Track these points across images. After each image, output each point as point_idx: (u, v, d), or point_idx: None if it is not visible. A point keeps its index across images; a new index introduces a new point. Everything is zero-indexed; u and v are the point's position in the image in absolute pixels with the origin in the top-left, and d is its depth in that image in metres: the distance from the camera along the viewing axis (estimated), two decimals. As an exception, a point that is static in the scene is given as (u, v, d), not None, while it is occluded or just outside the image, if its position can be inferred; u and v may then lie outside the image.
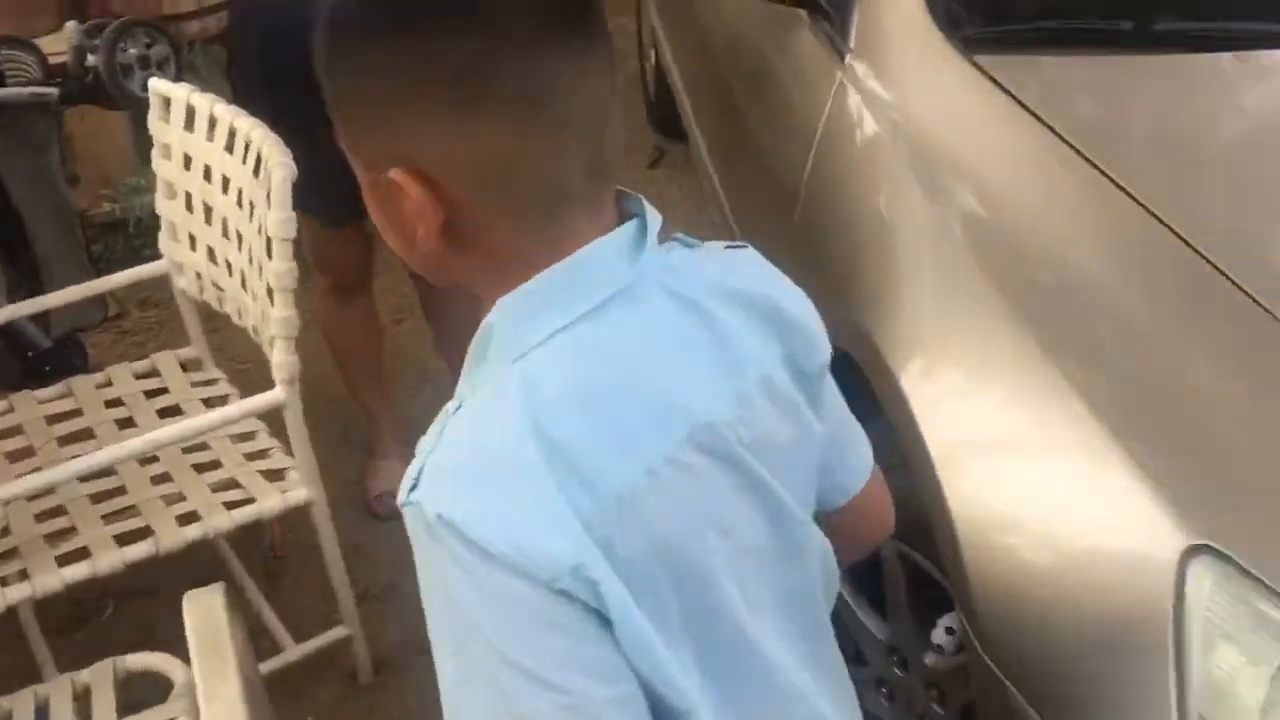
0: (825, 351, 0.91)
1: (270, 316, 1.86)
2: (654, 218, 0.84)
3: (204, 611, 1.40)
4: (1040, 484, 1.23)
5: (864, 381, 1.49)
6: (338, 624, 2.12)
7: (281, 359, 1.85)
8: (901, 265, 1.49)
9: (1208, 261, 1.25)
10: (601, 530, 0.76)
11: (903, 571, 1.52)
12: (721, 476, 0.83)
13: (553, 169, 0.78)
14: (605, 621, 0.77)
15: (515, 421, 0.78)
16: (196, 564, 2.25)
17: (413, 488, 0.80)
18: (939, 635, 1.51)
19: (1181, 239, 1.28)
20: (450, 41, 0.76)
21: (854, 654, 1.74)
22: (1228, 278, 1.23)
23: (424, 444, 0.83)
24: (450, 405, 0.85)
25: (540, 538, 0.76)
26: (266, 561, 2.42)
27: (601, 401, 0.79)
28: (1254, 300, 1.20)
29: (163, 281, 2.27)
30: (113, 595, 2.35)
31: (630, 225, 0.82)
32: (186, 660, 1.58)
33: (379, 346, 2.51)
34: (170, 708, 1.53)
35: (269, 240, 1.81)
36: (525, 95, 0.76)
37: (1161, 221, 1.31)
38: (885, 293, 1.48)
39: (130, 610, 2.31)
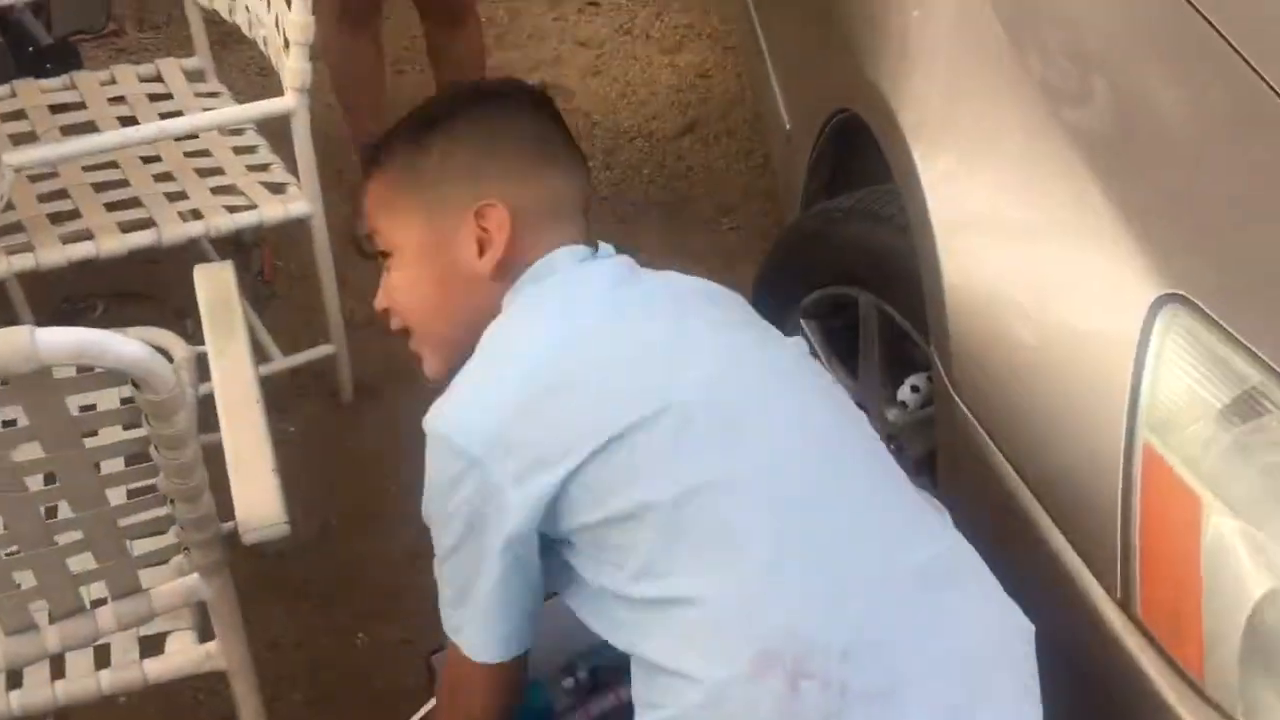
0: None
1: (286, 21, 1.85)
2: (604, 248, 1.20)
3: (214, 280, 1.46)
4: (1036, 259, 1.28)
5: (872, 143, 1.53)
6: (324, 343, 2.19)
7: (296, 65, 1.85)
8: (921, 20, 1.50)
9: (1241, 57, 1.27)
10: None
11: (878, 327, 1.59)
12: None
13: (566, 204, 1.20)
14: None
15: None
16: (185, 280, 2.30)
17: None
18: (904, 392, 1.60)
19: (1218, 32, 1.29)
20: (485, 114, 1.22)
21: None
22: (1259, 74, 1.25)
23: None
24: None
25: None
26: (255, 286, 2.47)
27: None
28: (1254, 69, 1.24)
29: (163, 2, 2.23)
30: (102, 296, 2.40)
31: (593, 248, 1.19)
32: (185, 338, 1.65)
33: (382, 81, 2.50)
34: (170, 377, 1.59)
35: (288, -59, 1.79)
36: (538, 136, 1.22)
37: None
38: (901, 48, 1.51)
39: (119, 312, 2.36)
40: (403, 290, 1.19)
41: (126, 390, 0.98)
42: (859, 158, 1.76)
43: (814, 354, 1.79)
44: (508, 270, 1.14)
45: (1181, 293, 1.11)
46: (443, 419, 1.05)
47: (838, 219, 1.66)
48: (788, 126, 2.09)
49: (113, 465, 1.40)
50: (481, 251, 1.14)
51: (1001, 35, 1.38)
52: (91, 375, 0.95)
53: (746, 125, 2.94)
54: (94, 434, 1.36)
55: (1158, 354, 1.10)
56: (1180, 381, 1.09)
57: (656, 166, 2.84)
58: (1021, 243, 1.29)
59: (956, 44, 1.46)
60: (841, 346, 1.73)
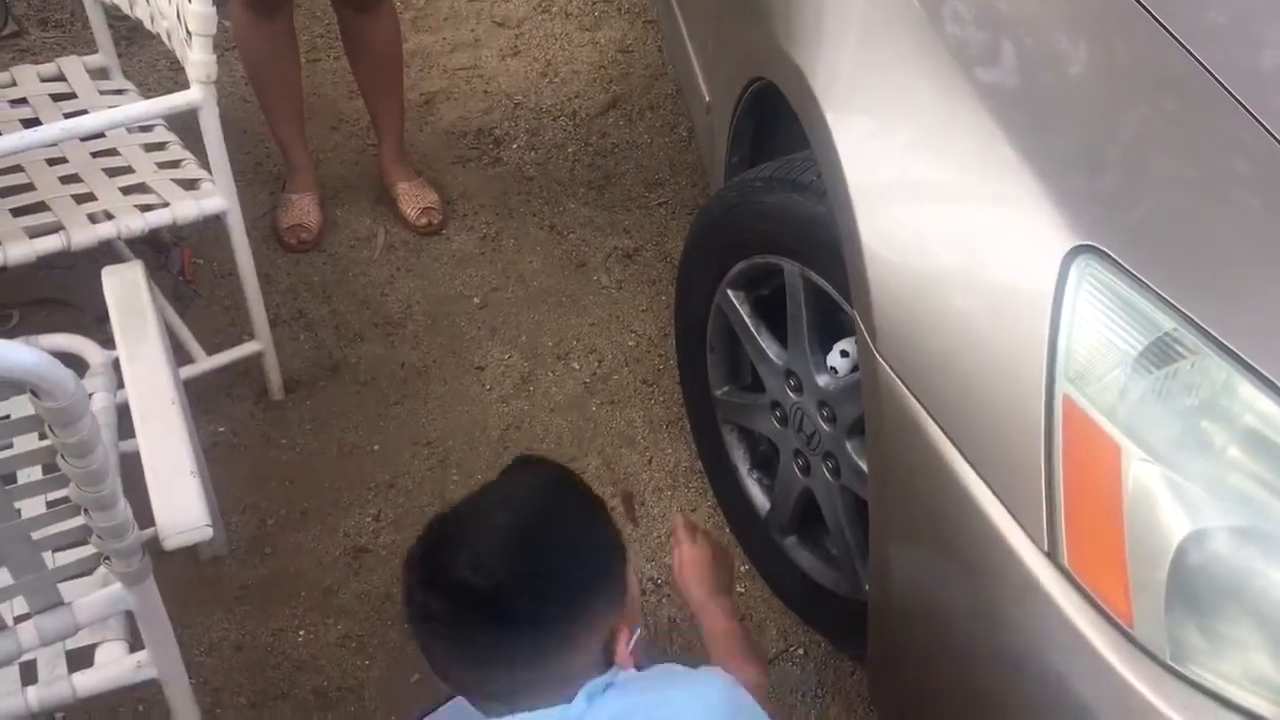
0: None
1: (187, 13, 1.80)
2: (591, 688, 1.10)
3: (122, 281, 1.42)
4: (952, 218, 1.28)
5: (790, 112, 1.52)
6: (249, 340, 2.15)
7: (199, 57, 1.81)
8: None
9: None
10: None
11: (805, 296, 1.59)
12: None
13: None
14: None
15: None
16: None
17: None
18: (834, 358, 1.60)
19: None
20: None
21: (751, 382, 1.84)
22: (1165, 29, 1.26)
23: None
24: None
25: None
26: (177, 286, 2.42)
27: None
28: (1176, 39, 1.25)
29: (65, 0, 2.16)
30: (16, 305, 2.34)
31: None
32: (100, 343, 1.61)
33: (297, 70, 2.45)
34: (88, 384, 1.55)
35: (188, -71, 1.74)
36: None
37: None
38: (814, 15, 1.50)
39: (36, 320, 2.30)
40: None
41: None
42: (778, 128, 1.75)
43: (741, 324, 1.80)
44: None
45: (1093, 244, 1.12)
46: None
47: (758, 188, 1.66)
48: (707, 98, 2.08)
49: (30, 474, 1.36)
50: None
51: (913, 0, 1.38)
52: (-11, 386, 0.92)
53: (669, 99, 2.93)
54: (9, 445, 1.33)
55: (1072, 305, 1.11)
56: (1095, 331, 1.10)
57: (581, 145, 2.82)
58: (937, 203, 1.30)
59: (867, 9, 1.46)
60: (770, 315, 1.72)
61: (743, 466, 1.90)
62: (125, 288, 1.40)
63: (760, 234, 1.66)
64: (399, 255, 2.53)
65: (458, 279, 2.47)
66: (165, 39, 1.98)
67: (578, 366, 2.28)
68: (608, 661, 1.13)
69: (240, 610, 1.87)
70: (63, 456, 1.01)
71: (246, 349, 2.15)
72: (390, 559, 1.95)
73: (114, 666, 1.28)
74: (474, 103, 2.93)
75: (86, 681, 1.27)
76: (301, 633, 1.85)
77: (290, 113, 2.46)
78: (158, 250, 2.45)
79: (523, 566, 1.08)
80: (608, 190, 2.69)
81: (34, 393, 0.93)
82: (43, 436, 1.07)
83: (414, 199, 2.57)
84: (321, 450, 2.12)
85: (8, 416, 1.41)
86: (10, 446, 1.29)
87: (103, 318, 2.19)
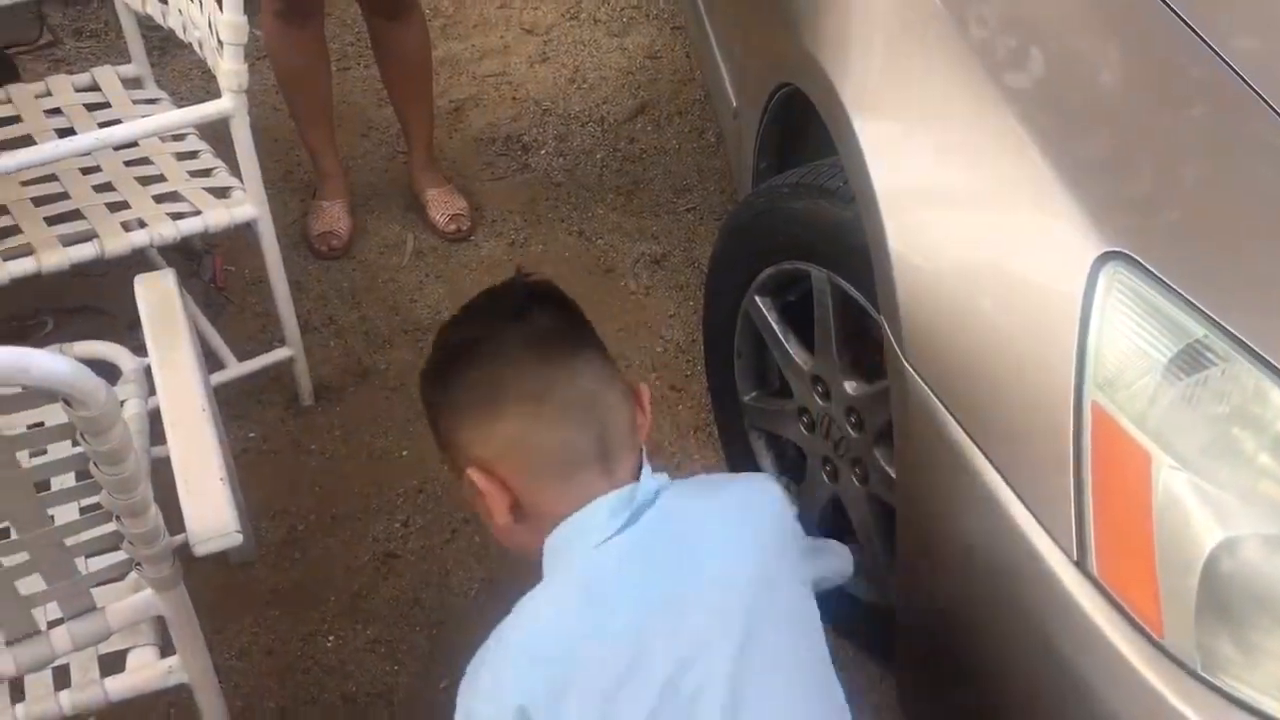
0: None
1: (218, 23, 1.82)
2: (648, 481, 1.13)
3: (155, 288, 1.44)
4: (980, 225, 1.27)
5: (817, 117, 1.52)
6: (280, 347, 2.17)
7: (230, 66, 1.83)
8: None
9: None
10: None
11: (833, 302, 1.59)
12: None
13: (560, 442, 1.11)
14: None
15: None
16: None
17: None
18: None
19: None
20: (474, 373, 1.13)
21: (779, 388, 1.84)
22: (1195, 32, 1.25)
23: None
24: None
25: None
26: (208, 293, 2.44)
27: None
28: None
29: (99, 10, 2.19)
30: (50, 312, 2.37)
31: (613, 495, 1.11)
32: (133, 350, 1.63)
33: (328, 78, 2.47)
34: (120, 391, 1.57)
35: (219, -59, 1.76)
36: (529, 394, 1.11)
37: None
38: (840, 20, 1.50)
39: (69, 328, 2.33)
40: (482, 517, 1.20)
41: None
42: (806, 133, 1.75)
43: (769, 330, 1.80)
44: (531, 516, 1.13)
45: (1122, 249, 1.11)
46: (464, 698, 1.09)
47: (785, 194, 1.65)
48: (734, 104, 2.08)
49: (64, 481, 1.38)
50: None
51: (939, 5, 1.37)
52: (25, 394, 0.93)
53: (697, 105, 2.93)
54: (44, 451, 1.35)
55: (1101, 311, 1.10)
56: (1125, 338, 1.09)
57: (610, 150, 2.82)
58: (965, 209, 1.29)
59: (895, 15, 1.45)
60: (798, 321, 1.72)
61: (770, 472, 1.89)
62: (158, 295, 1.42)
63: (788, 240, 1.66)
64: (428, 261, 2.54)
65: (486, 285, 2.47)
66: (197, 48, 2.01)
67: (605, 372, 2.28)
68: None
69: (270, 615, 1.89)
70: (95, 464, 1.02)
71: (277, 355, 2.17)
72: (419, 564, 1.96)
73: (145, 671, 1.30)
74: (503, 109, 2.95)
75: (118, 686, 1.29)
76: (331, 638, 1.86)
77: (320, 120, 2.48)
78: (189, 257, 2.47)
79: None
80: (636, 196, 2.69)
81: (67, 401, 0.94)
82: (75, 444, 1.08)
83: (443, 205, 2.59)
84: (351, 456, 2.14)
85: (41, 424, 1.42)
86: (44, 453, 1.31)
87: (134, 324, 2.21)
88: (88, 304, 2.36)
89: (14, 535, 1.08)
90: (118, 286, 2.14)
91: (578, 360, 1.14)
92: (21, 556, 1.11)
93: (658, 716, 1.03)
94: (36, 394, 0.92)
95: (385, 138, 2.85)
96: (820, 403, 1.68)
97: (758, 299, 1.77)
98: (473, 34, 3.21)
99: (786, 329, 1.74)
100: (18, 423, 1.37)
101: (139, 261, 2.14)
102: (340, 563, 1.96)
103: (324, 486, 2.09)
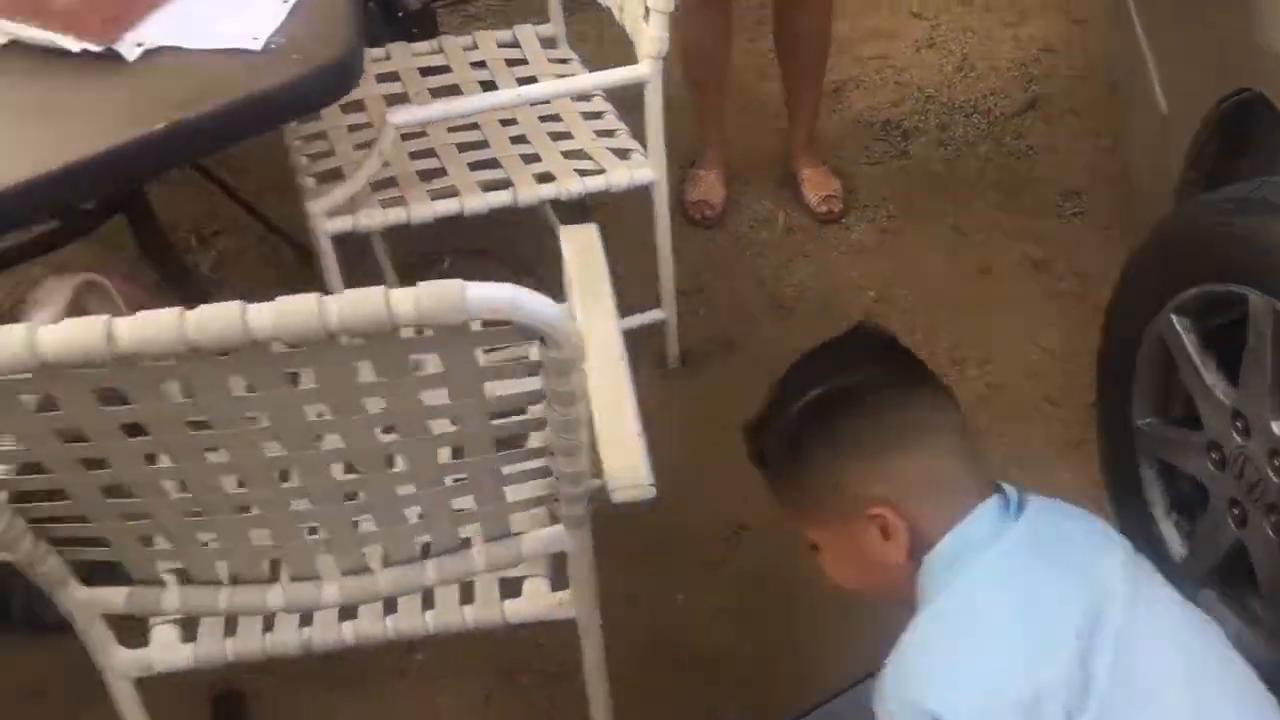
0: None
1: (648, -11, 1.88)
2: (1010, 491, 1.20)
3: (581, 239, 1.50)
4: None
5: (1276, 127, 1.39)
6: (654, 309, 2.23)
7: (655, 33, 1.88)
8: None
9: None
10: None
11: (1274, 334, 1.45)
12: None
13: (949, 469, 1.18)
14: None
15: None
16: (521, 238, 2.40)
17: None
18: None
19: None
20: (859, 420, 1.19)
21: (1182, 416, 1.70)
22: None
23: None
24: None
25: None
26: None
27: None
28: None
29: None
30: (447, 252, 2.54)
31: (993, 499, 1.17)
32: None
33: (730, 52, 2.51)
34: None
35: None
36: (914, 425, 1.19)
37: None
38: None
39: (464, 267, 2.49)
40: (832, 569, 1.26)
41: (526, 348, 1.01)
42: (1247, 144, 1.61)
43: (1183, 353, 1.66)
44: (916, 551, 1.18)
45: None
46: (932, 694, 1.06)
47: (1228, 210, 1.52)
48: (1164, 108, 1.94)
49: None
50: (886, 537, 1.17)
51: None
52: (503, 330, 0.99)
53: (1095, 104, 2.76)
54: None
55: None
56: None
57: (994, 145, 2.72)
58: None
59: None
60: (1220, 348, 1.59)
61: (1160, 506, 1.77)
62: (583, 245, 1.48)
63: (1225, 260, 1.53)
64: (797, 239, 2.54)
65: (854, 269, 2.46)
66: (617, 13, 2.08)
67: (974, 374, 2.21)
68: None
69: (627, 567, 1.95)
70: (550, 403, 1.07)
71: (650, 316, 2.23)
72: (768, 539, 1.97)
73: (540, 599, 1.37)
74: (884, 93, 2.90)
75: (515, 609, 1.37)
76: (681, 595, 1.90)
77: (717, 91, 2.53)
78: (576, 213, 2.58)
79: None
80: (1019, 195, 2.58)
81: (543, 340, 1.00)
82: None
83: (817, 185, 2.58)
84: (711, 424, 2.16)
85: (525, 357, 1.52)
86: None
87: (520, 269, 2.36)
88: (480, 246, 2.52)
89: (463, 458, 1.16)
90: (504, 231, 2.26)
91: (939, 393, 1.23)
92: (460, 475, 1.19)
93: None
94: (521, 331, 0.98)
95: (764, 113, 2.86)
96: (1238, 440, 1.54)
97: (1175, 318, 1.64)
98: (858, 14, 3.16)
99: (1206, 355, 1.61)
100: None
101: (523, 212, 2.25)
102: (694, 530, 2.00)
103: (684, 451, 2.13)
